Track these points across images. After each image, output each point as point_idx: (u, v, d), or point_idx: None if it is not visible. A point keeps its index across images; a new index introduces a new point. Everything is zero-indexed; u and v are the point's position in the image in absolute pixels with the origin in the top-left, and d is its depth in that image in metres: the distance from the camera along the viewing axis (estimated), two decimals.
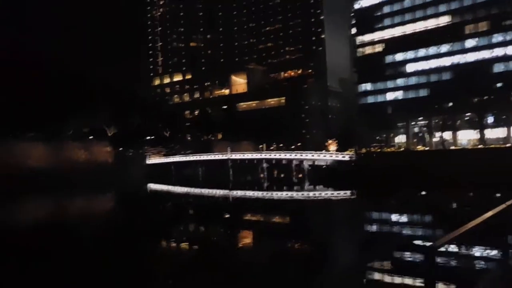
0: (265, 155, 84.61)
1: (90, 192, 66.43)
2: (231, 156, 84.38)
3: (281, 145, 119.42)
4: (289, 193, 61.21)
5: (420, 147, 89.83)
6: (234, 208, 46.92)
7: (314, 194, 59.08)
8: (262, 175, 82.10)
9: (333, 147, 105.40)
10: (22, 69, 79.34)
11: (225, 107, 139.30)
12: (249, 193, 62.14)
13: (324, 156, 77.30)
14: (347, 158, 73.44)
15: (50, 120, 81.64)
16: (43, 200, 57.72)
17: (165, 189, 73.99)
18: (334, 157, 75.89)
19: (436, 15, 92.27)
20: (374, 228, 32.50)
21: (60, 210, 48.31)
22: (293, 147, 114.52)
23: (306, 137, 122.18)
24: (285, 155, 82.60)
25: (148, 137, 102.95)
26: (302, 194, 59.49)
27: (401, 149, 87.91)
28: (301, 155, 79.71)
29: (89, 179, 73.13)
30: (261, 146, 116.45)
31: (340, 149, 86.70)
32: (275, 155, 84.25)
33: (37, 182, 64.12)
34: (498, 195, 38.24)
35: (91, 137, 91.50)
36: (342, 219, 36.57)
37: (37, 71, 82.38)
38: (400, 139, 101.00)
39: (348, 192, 56.99)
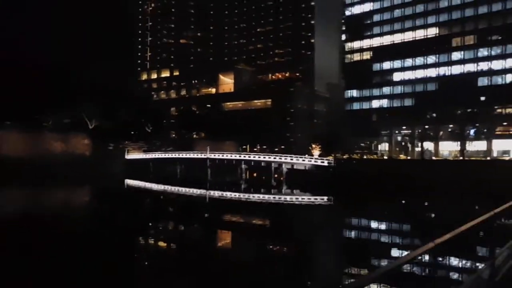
0: (244, 156, 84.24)
1: (65, 184, 65.20)
2: (210, 155, 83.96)
3: (265, 147, 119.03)
4: (266, 196, 60.83)
5: (402, 156, 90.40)
6: (208, 208, 46.37)
7: (291, 198, 58.70)
8: (240, 176, 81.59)
9: (317, 151, 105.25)
10: (2, 58, 78.09)
11: (211, 106, 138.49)
12: (226, 194, 61.62)
13: (303, 160, 77.05)
14: (325, 163, 73.38)
15: (30, 109, 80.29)
16: (14, 190, 56.63)
17: (142, 186, 72.97)
18: (313, 162, 75.70)
19: (425, 26, 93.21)
20: (336, 238, 30.95)
21: (30, 201, 47.29)
22: (276, 149, 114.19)
23: (290, 140, 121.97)
24: (264, 158, 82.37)
25: (131, 132, 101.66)
26: (279, 198, 59.02)
27: (382, 157, 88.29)
28: (280, 158, 79.55)
29: (65, 171, 71.74)
30: (244, 146, 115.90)
31: (324, 154, 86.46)
32: (254, 157, 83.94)
33: (11, 171, 62.71)
34: (476, 207, 38.67)
35: (71, 128, 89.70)
36: (309, 225, 35.88)
37: (19, 61, 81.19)
38: (384, 147, 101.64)
39: (325, 198, 56.65)
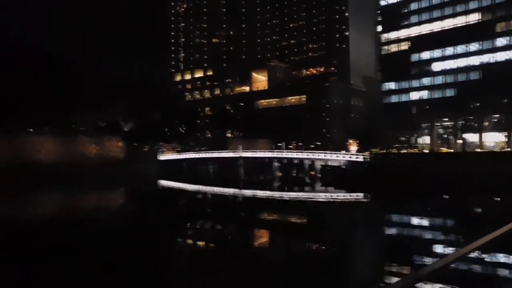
0: (276, 154, 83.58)
1: (100, 187, 66.71)
2: (242, 154, 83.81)
3: (301, 143, 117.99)
4: (300, 194, 60.00)
5: (444, 149, 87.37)
6: (241, 208, 46.11)
7: (326, 196, 57.67)
8: (273, 174, 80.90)
9: (354, 147, 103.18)
10: (39, 62, 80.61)
11: (245, 104, 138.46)
12: (259, 193, 61.17)
13: (337, 156, 75.68)
14: (361, 159, 71.60)
15: (66, 114, 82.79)
16: (52, 194, 58.09)
17: (176, 186, 73.80)
18: (347, 158, 74.16)
19: (466, 12, 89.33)
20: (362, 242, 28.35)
21: (66, 204, 48.43)
22: (312, 146, 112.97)
23: (327, 136, 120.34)
24: (297, 154, 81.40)
25: (166, 133, 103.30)
26: (313, 196, 58.05)
27: (422, 151, 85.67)
28: (313, 155, 78.42)
29: (100, 174, 73.61)
30: (280, 144, 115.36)
31: (362, 149, 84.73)
32: (286, 154, 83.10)
33: (49, 175, 64.66)
34: None
35: (107, 131, 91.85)
36: (343, 225, 34.82)
37: (55, 65, 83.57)
38: (424, 140, 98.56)
39: (361, 195, 55.27)
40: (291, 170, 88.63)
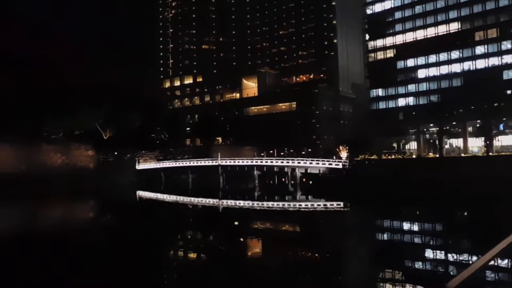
0: (256, 162, 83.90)
1: (69, 200, 65.09)
2: (221, 162, 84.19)
3: (291, 150, 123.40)
4: (280, 204, 60.90)
5: (431, 154, 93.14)
6: (219, 221, 46.32)
7: (306, 205, 58.85)
8: (254, 183, 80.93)
9: (344, 153, 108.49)
10: (8, 63, 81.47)
11: (235, 111, 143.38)
12: (239, 203, 62.31)
13: (317, 163, 77.08)
14: (340, 166, 73.84)
15: (33, 120, 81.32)
16: (18, 207, 57.29)
17: (154, 197, 73.74)
18: (327, 165, 75.70)
19: (446, 21, 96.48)
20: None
21: (30, 218, 47.88)
22: (303, 153, 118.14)
23: (317, 143, 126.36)
24: (276, 162, 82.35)
25: (148, 141, 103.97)
26: (294, 205, 58.96)
27: (411, 156, 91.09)
28: (293, 162, 79.68)
29: (71, 186, 71.84)
30: (271, 151, 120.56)
31: (351, 155, 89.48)
32: (266, 162, 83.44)
33: (17, 186, 63.79)
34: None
35: (83, 139, 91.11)
36: (317, 236, 35.78)
37: (31, 70, 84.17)
38: (412, 145, 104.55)
39: (341, 204, 56.54)
40: (274, 178, 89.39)
